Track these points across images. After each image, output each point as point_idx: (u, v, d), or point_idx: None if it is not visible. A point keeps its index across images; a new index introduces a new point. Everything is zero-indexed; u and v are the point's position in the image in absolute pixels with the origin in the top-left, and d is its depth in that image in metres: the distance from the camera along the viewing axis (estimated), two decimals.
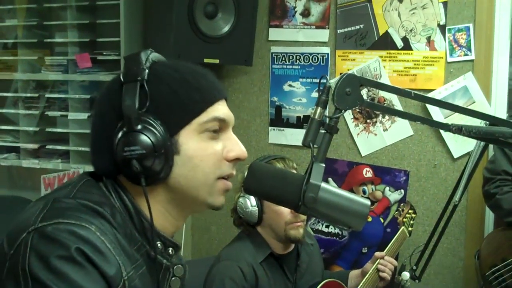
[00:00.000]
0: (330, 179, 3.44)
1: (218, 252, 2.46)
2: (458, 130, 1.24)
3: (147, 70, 1.18)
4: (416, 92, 1.24)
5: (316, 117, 1.21)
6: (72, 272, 1.00)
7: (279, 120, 3.63)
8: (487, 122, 1.32)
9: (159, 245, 1.20)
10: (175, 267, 1.25)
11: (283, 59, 3.58)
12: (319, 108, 1.21)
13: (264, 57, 3.63)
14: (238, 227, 2.48)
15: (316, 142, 1.21)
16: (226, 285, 2.22)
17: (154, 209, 1.18)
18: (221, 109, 1.24)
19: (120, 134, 1.15)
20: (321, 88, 1.23)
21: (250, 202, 2.35)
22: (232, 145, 1.25)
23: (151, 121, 1.15)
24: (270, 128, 3.66)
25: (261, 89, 3.67)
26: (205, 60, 3.26)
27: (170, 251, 1.23)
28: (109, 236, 1.08)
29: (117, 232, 1.12)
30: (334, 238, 3.50)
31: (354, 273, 2.61)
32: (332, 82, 1.22)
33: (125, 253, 1.10)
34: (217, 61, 3.31)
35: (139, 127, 1.14)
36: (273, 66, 3.61)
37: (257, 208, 2.35)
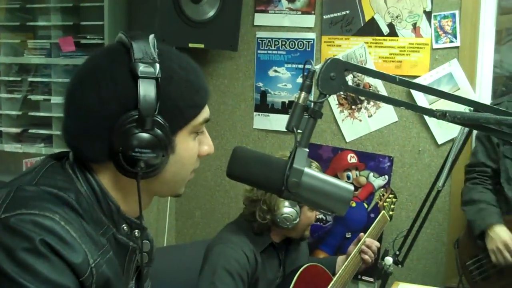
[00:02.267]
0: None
1: (212, 237, 2.45)
2: (443, 115, 1.24)
3: (159, 65, 1.14)
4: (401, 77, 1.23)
5: (300, 101, 1.20)
6: (37, 264, 0.99)
7: (264, 106, 3.62)
8: (471, 109, 1.32)
9: (125, 227, 1.20)
10: (141, 242, 1.25)
11: (269, 44, 3.57)
12: (303, 92, 1.20)
13: (250, 42, 3.61)
14: (245, 218, 2.45)
15: (300, 127, 1.21)
16: (232, 265, 2.22)
17: (126, 194, 1.19)
18: (207, 109, 1.25)
19: (132, 132, 1.12)
20: (305, 73, 1.22)
21: (295, 210, 2.34)
22: (206, 141, 1.28)
23: (162, 124, 1.14)
24: (255, 113, 3.65)
25: (246, 74, 3.66)
26: (190, 45, 3.24)
27: (136, 233, 1.23)
28: (74, 225, 1.06)
29: (82, 219, 1.10)
30: (318, 223, 3.51)
31: (341, 258, 2.62)
32: (317, 67, 1.21)
33: (91, 240, 1.09)
34: (202, 45, 3.28)
35: (153, 127, 1.13)
36: (259, 51, 3.59)
37: (297, 216, 2.34)
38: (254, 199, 2.36)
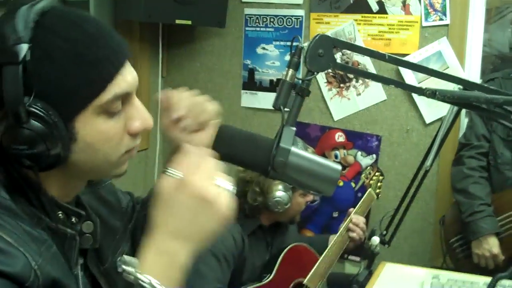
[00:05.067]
0: None
1: None
2: (432, 94, 1.22)
3: (29, 45, 0.97)
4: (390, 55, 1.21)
5: (288, 79, 1.17)
6: None
7: (251, 84, 3.58)
8: (461, 87, 1.30)
9: (60, 215, 1.09)
10: (83, 223, 1.15)
11: (257, 21, 3.52)
12: (291, 70, 1.17)
13: (238, 19, 3.56)
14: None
15: (287, 105, 1.18)
16: (217, 248, 2.22)
17: (52, 182, 1.07)
18: (122, 82, 1.05)
19: (3, 126, 0.97)
20: (293, 50, 1.19)
21: (287, 195, 2.31)
22: (136, 115, 1.09)
23: (40, 112, 0.97)
24: (242, 91, 3.61)
25: (234, 52, 3.62)
26: (177, 21, 3.19)
27: (73, 219, 1.12)
28: (7, 227, 0.95)
29: (17, 216, 0.99)
30: None
31: (333, 237, 2.61)
32: (306, 44, 1.18)
33: (30, 238, 0.98)
34: (189, 22, 3.24)
35: (27, 119, 0.96)
36: (247, 28, 3.55)
37: (288, 200, 2.32)
38: (247, 180, 2.34)
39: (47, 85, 0.98)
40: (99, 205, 1.29)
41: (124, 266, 0.99)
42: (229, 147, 1.18)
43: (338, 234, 2.48)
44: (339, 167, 1.20)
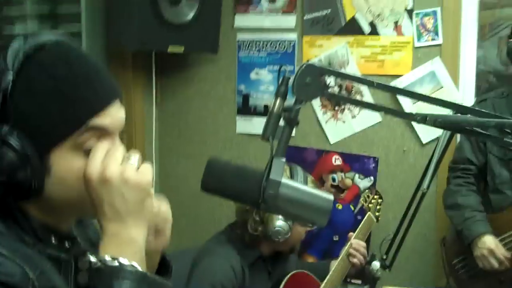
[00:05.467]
0: None
1: (200, 247, 2.40)
2: (423, 119, 1.20)
3: (13, 76, 1.01)
4: (382, 78, 1.19)
5: (275, 109, 1.15)
6: None
7: (246, 109, 3.57)
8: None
9: (53, 240, 1.11)
10: (79, 261, 1.17)
11: (250, 46, 3.52)
12: (279, 99, 1.16)
13: (230, 45, 3.56)
14: (235, 228, 2.41)
15: (276, 135, 1.16)
16: (218, 281, 2.19)
17: (40, 210, 1.09)
18: (102, 119, 1.07)
19: None
20: (280, 79, 1.17)
21: (287, 224, 2.29)
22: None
23: (15, 142, 1.00)
24: (237, 117, 3.60)
25: (228, 77, 3.61)
26: (170, 48, 3.19)
27: (66, 244, 1.14)
28: (2, 244, 1.00)
29: (10, 239, 1.03)
30: None
31: (334, 263, 2.58)
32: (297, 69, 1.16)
33: (26, 255, 1.02)
34: (181, 48, 3.23)
35: (1, 146, 1.00)
36: (240, 53, 3.55)
37: (289, 229, 2.29)
38: (247, 209, 2.31)
39: (25, 117, 1.02)
40: (89, 247, 1.28)
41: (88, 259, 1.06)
42: (218, 181, 1.16)
43: (339, 259, 2.45)
44: (331, 197, 1.18)
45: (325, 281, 2.38)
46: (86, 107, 1.05)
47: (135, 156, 1.08)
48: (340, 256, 2.46)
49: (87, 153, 1.07)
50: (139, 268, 1.04)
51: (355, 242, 2.47)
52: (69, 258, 1.14)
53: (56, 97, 1.03)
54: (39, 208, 1.09)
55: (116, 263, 1.02)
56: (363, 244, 2.50)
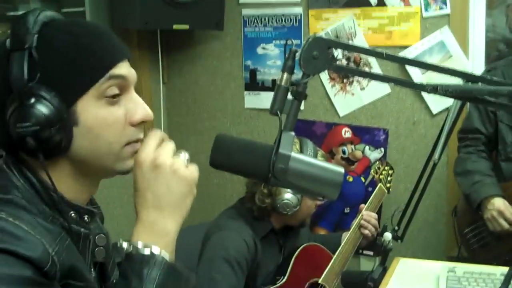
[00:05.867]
0: None
1: (210, 222, 2.41)
2: (434, 89, 1.18)
3: (35, 36, 1.07)
4: (390, 50, 1.18)
5: (283, 83, 1.14)
6: None
7: (254, 84, 3.56)
8: None
9: (73, 214, 1.13)
10: (96, 236, 1.20)
11: (255, 21, 3.49)
12: (286, 73, 1.14)
13: (236, 21, 3.53)
14: (244, 202, 2.41)
15: (284, 110, 1.15)
16: (230, 254, 2.18)
17: (62, 180, 1.12)
18: (120, 69, 1.14)
19: (10, 109, 1.06)
20: (287, 53, 1.16)
21: (296, 197, 2.28)
22: (135, 107, 1.16)
23: (43, 93, 1.05)
24: (245, 92, 3.59)
25: (234, 53, 3.59)
26: (175, 26, 3.17)
27: (86, 218, 1.17)
28: (23, 218, 1.02)
29: (31, 213, 1.05)
30: None
31: (346, 235, 2.58)
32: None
33: (46, 230, 1.04)
34: (186, 26, 3.21)
35: (31, 100, 1.05)
36: (245, 29, 3.52)
37: (297, 202, 2.29)
38: (256, 181, 2.31)
39: (50, 71, 1.07)
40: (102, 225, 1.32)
41: (119, 243, 1.12)
42: (227, 157, 1.16)
43: (350, 231, 2.46)
44: (342, 169, 1.17)
45: (337, 252, 2.38)
46: (106, 57, 1.12)
47: (185, 153, 1.15)
48: (352, 228, 2.46)
49: (109, 101, 1.12)
50: (169, 260, 1.09)
51: (366, 214, 2.47)
52: (88, 232, 1.16)
53: (77, 50, 1.09)
54: (64, 174, 1.12)
55: (148, 251, 1.07)
56: (374, 215, 2.50)
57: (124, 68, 1.14)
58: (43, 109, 1.05)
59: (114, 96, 1.12)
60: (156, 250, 1.07)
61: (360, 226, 2.46)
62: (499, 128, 2.66)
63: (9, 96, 1.06)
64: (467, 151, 2.75)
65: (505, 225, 2.53)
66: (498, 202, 2.55)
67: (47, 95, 1.05)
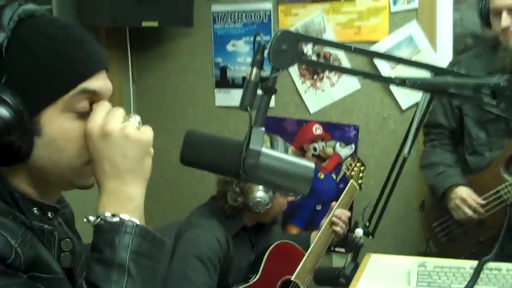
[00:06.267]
0: None
1: (183, 220, 2.39)
2: (402, 82, 1.19)
3: (7, 33, 1.01)
4: (359, 45, 1.17)
5: (252, 78, 1.13)
6: None
7: (224, 82, 3.55)
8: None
9: (35, 211, 1.10)
10: (62, 241, 1.16)
11: (225, 18, 3.48)
12: (255, 68, 1.14)
13: (205, 17, 3.52)
14: (216, 200, 2.39)
15: (254, 105, 1.14)
16: (203, 252, 2.17)
17: (22, 183, 1.08)
18: (93, 82, 1.08)
19: None
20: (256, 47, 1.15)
21: (268, 195, 2.27)
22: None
23: (7, 97, 0.99)
24: (216, 90, 3.57)
25: (204, 50, 3.57)
26: (143, 24, 3.14)
27: (49, 215, 1.13)
28: None
29: None
30: None
31: (315, 233, 2.58)
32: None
33: (5, 226, 1.00)
34: (156, 23, 3.19)
35: None
36: (215, 26, 3.51)
37: (269, 200, 2.28)
38: (227, 180, 2.29)
39: (19, 74, 1.02)
40: (68, 229, 1.27)
41: (85, 219, 1.06)
42: (197, 153, 1.14)
43: (321, 229, 2.46)
44: (312, 164, 1.16)
45: (309, 250, 2.38)
46: (80, 68, 1.06)
47: (135, 117, 1.10)
48: (323, 226, 2.46)
49: (78, 115, 1.07)
50: (140, 224, 1.05)
51: (338, 211, 2.48)
52: (52, 229, 1.13)
53: (51, 56, 1.04)
54: (24, 178, 1.08)
55: (117, 219, 1.03)
56: (347, 213, 2.50)
57: (99, 81, 1.09)
58: (4, 113, 0.99)
59: (83, 112, 1.07)
60: (125, 216, 1.04)
61: (332, 223, 2.46)
62: (465, 122, 2.69)
63: None
64: (432, 144, 2.78)
65: (469, 212, 2.56)
66: (461, 191, 2.59)
67: (10, 100, 1.00)
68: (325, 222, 2.49)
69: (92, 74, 1.08)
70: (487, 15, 2.51)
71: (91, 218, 1.04)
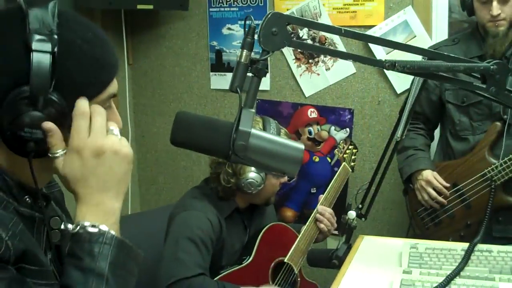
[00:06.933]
0: None
1: (176, 203, 2.40)
2: (392, 66, 1.20)
3: (57, 39, 1.04)
4: (355, 30, 1.18)
5: (242, 60, 1.15)
6: None
7: (220, 65, 3.54)
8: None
9: (27, 199, 1.13)
10: (51, 219, 1.20)
11: (220, 1, 3.47)
12: (245, 50, 1.15)
13: (200, 0, 3.50)
14: (209, 182, 2.40)
15: (244, 87, 1.15)
16: (194, 233, 2.18)
17: (19, 170, 1.11)
18: (114, 84, 1.16)
19: (21, 110, 1.03)
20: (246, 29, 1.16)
21: (260, 176, 2.29)
22: (114, 118, 1.18)
23: (57, 102, 1.05)
24: (211, 73, 3.57)
25: (200, 34, 3.57)
26: (139, 6, 3.14)
27: (39, 204, 1.15)
28: None
29: None
30: None
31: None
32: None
33: None
34: (151, 6, 3.18)
35: (46, 108, 1.04)
36: (210, 9, 3.50)
37: (262, 181, 2.29)
38: (220, 161, 2.30)
39: (63, 77, 1.05)
40: (57, 207, 1.31)
41: (63, 226, 1.09)
42: (187, 134, 1.16)
43: (304, 227, 2.42)
44: (302, 146, 1.18)
45: (302, 231, 2.39)
46: (111, 70, 1.14)
47: (115, 128, 1.13)
48: (307, 223, 2.44)
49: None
50: (118, 236, 1.08)
51: (321, 208, 2.46)
52: (43, 217, 1.15)
53: (91, 60, 1.10)
54: (26, 166, 1.09)
55: (96, 229, 1.06)
56: (329, 210, 2.47)
57: (115, 84, 1.16)
58: (54, 116, 1.05)
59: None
60: (104, 227, 1.06)
61: (316, 220, 2.45)
62: (447, 108, 2.71)
63: (13, 90, 1.03)
64: (407, 129, 2.80)
65: (433, 193, 2.64)
66: (427, 173, 2.67)
67: (59, 105, 1.05)
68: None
69: (115, 75, 1.15)
70: (470, 5, 2.56)
71: (70, 226, 1.07)
